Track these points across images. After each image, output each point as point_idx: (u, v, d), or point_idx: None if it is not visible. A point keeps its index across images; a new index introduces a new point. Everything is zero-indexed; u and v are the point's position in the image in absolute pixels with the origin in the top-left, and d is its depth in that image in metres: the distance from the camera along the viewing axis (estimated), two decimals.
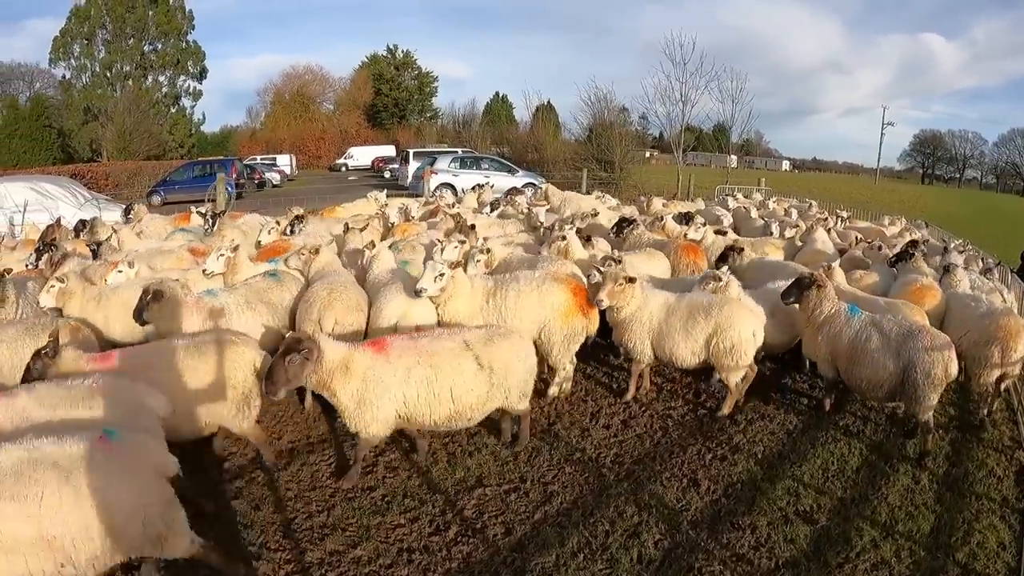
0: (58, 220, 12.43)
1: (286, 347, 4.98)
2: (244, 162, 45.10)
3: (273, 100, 74.50)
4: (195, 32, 60.96)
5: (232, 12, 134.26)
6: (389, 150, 58.98)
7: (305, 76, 74.24)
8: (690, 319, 6.96)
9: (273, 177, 43.98)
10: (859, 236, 11.82)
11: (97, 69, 57.59)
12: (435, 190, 25.00)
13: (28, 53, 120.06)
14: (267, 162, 49.72)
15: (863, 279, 8.98)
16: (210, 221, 10.78)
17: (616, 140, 29.58)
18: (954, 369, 6.29)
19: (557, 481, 5.91)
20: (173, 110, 62.29)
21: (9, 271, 7.93)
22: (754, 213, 14.15)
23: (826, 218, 13.69)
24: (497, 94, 53.82)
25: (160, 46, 60.34)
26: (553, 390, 7.44)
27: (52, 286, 6.82)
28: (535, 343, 6.71)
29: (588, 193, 17.88)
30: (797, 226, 11.73)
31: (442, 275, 6.35)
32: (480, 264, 8.06)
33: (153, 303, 6.21)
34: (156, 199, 30.42)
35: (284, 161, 52.31)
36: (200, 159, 42.74)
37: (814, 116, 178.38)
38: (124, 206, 15.32)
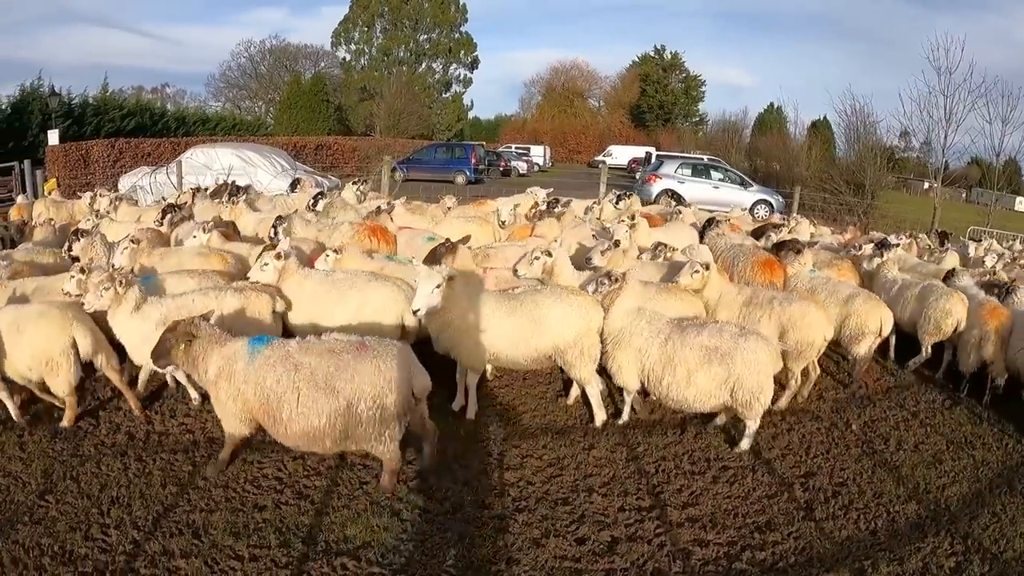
0: (198, 188, 12.40)
1: None
2: (498, 150, 46.84)
3: (543, 93, 76.48)
4: (470, 24, 64.89)
5: (518, 6, 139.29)
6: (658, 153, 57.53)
7: (572, 71, 75.32)
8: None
9: (520, 166, 44.46)
10: None
11: (374, 53, 63.47)
12: (657, 196, 23.61)
13: (316, 36, 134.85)
14: (520, 151, 50.79)
15: None
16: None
17: (869, 160, 26.01)
18: None
19: None
20: (445, 95, 66.88)
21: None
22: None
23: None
24: (772, 104, 50.48)
25: (434, 36, 65.03)
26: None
27: (267, 263, 6.49)
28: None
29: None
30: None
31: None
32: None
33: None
34: (398, 175, 31.74)
35: (538, 152, 53.21)
36: (445, 142, 44.63)
37: None
38: (303, 179, 15.52)
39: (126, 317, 5.62)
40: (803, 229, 11.50)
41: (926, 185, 44.56)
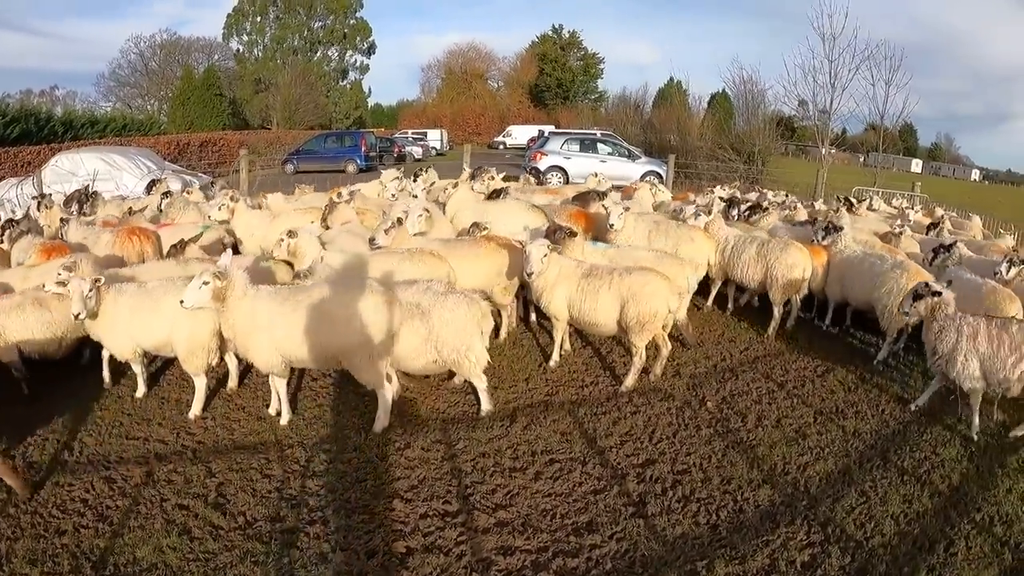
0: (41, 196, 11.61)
1: None
2: (394, 136, 46.11)
3: (443, 76, 75.95)
4: (374, 8, 64.36)
5: None
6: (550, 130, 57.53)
7: (469, 53, 74.96)
8: None
9: (415, 151, 43.89)
10: None
11: (268, 43, 62.20)
12: (545, 173, 22.89)
13: (214, 27, 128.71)
14: (417, 136, 50.01)
15: None
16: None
17: (756, 129, 25.87)
18: None
19: None
20: (343, 83, 66.13)
21: None
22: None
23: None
24: (672, 79, 50.72)
25: (329, 22, 64.03)
26: None
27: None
28: None
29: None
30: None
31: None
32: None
33: None
34: (289, 168, 30.80)
35: (435, 136, 52.51)
36: (334, 131, 43.62)
37: (1012, 124, 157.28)
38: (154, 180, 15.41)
39: None
40: (643, 195, 11.56)
41: (823, 151, 45.59)
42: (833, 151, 46.74)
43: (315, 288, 5.56)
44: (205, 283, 5.22)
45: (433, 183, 11.39)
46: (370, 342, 5.36)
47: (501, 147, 57.96)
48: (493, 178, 10.92)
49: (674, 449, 5.47)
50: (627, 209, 8.57)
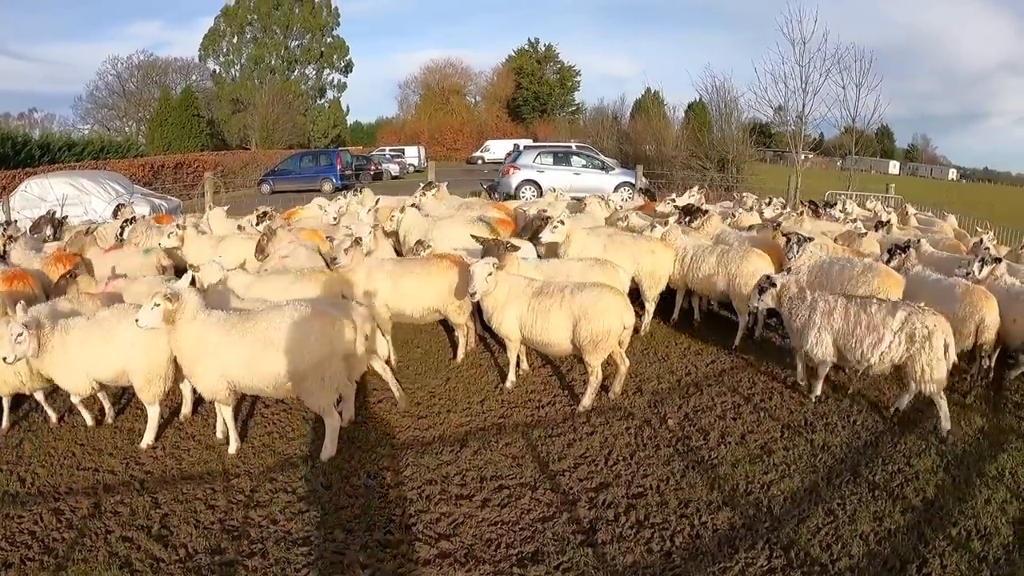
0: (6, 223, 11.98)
1: None
2: (371, 153, 46.00)
3: (420, 92, 75.78)
4: (352, 27, 64.21)
5: (405, 7, 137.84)
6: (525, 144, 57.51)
7: (446, 69, 74.79)
8: None
9: (392, 168, 43.58)
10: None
11: (245, 63, 61.72)
12: (517, 188, 22.75)
13: (193, 48, 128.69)
14: (394, 153, 49.77)
15: None
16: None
17: (729, 136, 25.81)
18: None
19: None
20: (320, 101, 65.86)
21: None
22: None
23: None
24: (649, 90, 50.68)
25: (305, 41, 63.72)
26: None
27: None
28: None
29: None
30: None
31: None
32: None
33: None
34: (265, 188, 30.60)
35: (412, 153, 52.16)
36: (309, 150, 43.31)
37: (987, 122, 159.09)
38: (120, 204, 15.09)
39: None
40: (594, 209, 11.44)
41: (802, 157, 45.86)
42: (811, 156, 46.96)
43: (263, 313, 5.45)
44: (156, 304, 5.19)
45: (378, 203, 11.32)
46: (316, 367, 5.23)
47: (479, 162, 57.83)
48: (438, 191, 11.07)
49: (630, 471, 5.27)
50: (561, 224, 8.34)
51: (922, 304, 5.89)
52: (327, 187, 29.87)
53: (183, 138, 49.28)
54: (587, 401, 6.27)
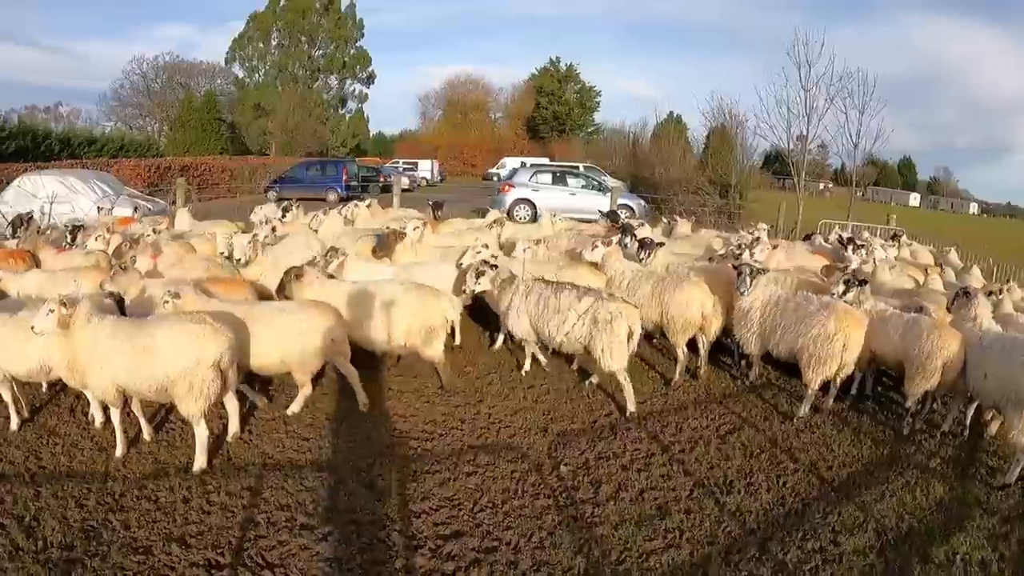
0: None
1: None
2: (384, 165, 45.87)
3: (442, 106, 76.64)
4: (381, 39, 65.94)
5: (433, 21, 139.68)
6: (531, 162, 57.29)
7: (467, 84, 75.58)
8: None
9: (402, 181, 43.16)
10: None
11: (269, 69, 62.51)
12: (511, 207, 22.31)
13: (214, 52, 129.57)
14: (408, 167, 49.47)
15: None
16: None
17: (732, 161, 25.10)
18: None
19: None
20: (342, 111, 66.56)
21: None
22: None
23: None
24: (671, 114, 50.29)
25: (330, 50, 64.38)
26: None
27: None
28: None
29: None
30: None
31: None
32: None
33: None
34: (272, 194, 30.42)
35: (425, 167, 51.93)
36: (317, 159, 43.13)
37: (1011, 156, 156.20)
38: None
39: None
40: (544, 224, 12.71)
41: (821, 186, 45.06)
42: (831, 186, 45.92)
43: (149, 321, 5.63)
44: (51, 310, 5.35)
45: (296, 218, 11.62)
46: (187, 372, 5.28)
47: (496, 179, 57.61)
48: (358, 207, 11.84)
49: (493, 521, 4.74)
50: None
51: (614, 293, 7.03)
52: (332, 196, 29.89)
53: (203, 141, 50.01)
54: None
